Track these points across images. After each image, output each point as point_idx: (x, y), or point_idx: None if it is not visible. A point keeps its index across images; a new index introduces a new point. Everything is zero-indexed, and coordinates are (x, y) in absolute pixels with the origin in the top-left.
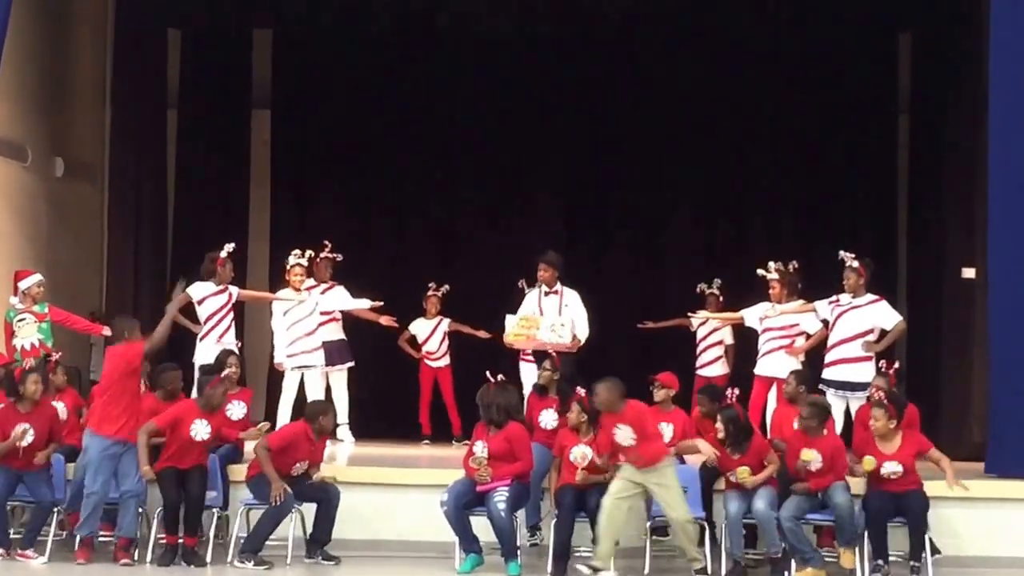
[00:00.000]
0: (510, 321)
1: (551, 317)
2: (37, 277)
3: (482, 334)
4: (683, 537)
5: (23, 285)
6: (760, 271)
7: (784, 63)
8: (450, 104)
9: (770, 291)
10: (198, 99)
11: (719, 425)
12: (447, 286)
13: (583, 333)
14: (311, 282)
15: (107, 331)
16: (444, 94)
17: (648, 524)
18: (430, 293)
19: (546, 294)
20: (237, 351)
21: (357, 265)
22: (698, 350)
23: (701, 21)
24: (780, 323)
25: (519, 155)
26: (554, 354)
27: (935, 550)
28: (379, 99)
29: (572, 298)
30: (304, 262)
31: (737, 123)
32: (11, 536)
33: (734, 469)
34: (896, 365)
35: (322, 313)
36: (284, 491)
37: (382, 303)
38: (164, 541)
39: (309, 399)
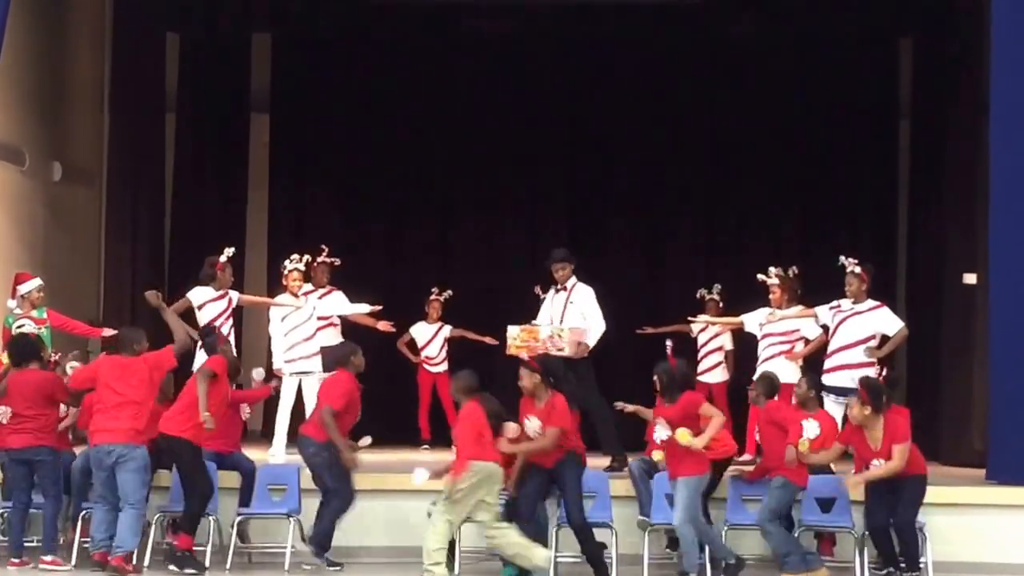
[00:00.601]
0: (512, 332)
1: (549, 327)
2: (37, 282)
3: (488, 340)
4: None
5: (23, 289)
6: (760, 276)
7: (785, 68)
8: (449, 107)
9: (770, 296)
10: (196, 103)
11: (655, 377)
12: (449, 291)
13: (596, 331)
14: (309, 287)
15: (107, 332)
16: (443, 97)
17: (647, 531)
18: (432, 298)
19: (556, 291)
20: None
21: (355, 269)
22: (698, 356)
23: (703, 26)
24: (780, 329)
25: (518, 159)
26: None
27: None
28: (378, 103)
29: (582, 295)
30: (301, 267)
31: (738, 127)
32: None
33: (663, 417)
34: (885, 372)
35: (320, 318)
36: (354, 459)
37: (380, 307)
38: (172, 543)
39: (307, 406)
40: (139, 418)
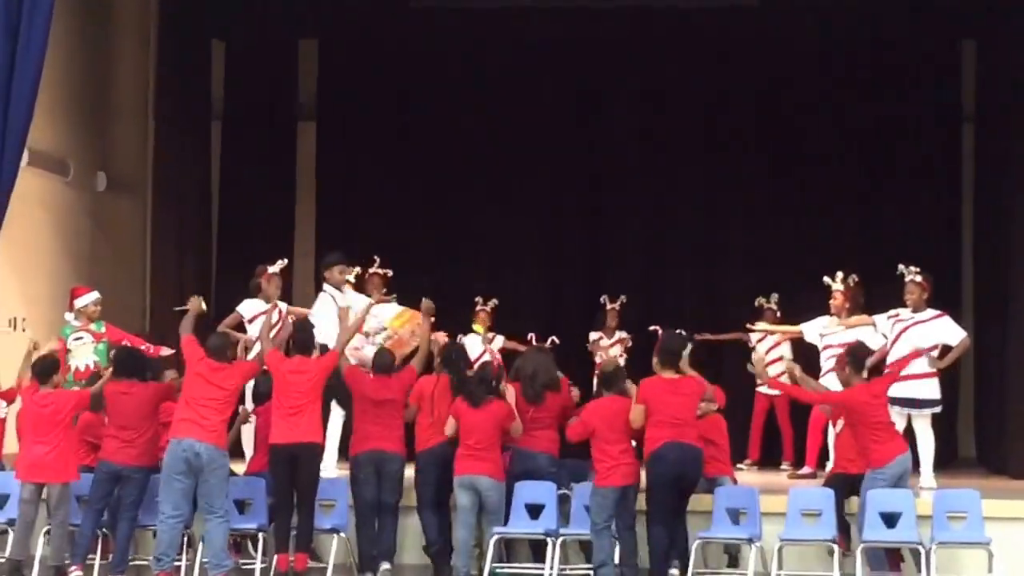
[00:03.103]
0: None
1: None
2: (94, 295)
3: None
4: None
5: (79, 303)
6: (826, 279)
7: (846, 71)
8: (500, 112)
9: (831, 302)
10: (243, 112)
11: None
12: (495, 300)
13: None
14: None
15: (165, 351)
16: (493, 102)
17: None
18: (478, 308)
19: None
20: None
21: (405, 279)
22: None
23: (761, 28)
24: (841, 339)
25: (569, 166)
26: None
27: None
28: (426, 109)
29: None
30: (351, 279)
31: (797, 132)
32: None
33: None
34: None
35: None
36: None
37: (432, 318)
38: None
39: None
40: (226, 423)
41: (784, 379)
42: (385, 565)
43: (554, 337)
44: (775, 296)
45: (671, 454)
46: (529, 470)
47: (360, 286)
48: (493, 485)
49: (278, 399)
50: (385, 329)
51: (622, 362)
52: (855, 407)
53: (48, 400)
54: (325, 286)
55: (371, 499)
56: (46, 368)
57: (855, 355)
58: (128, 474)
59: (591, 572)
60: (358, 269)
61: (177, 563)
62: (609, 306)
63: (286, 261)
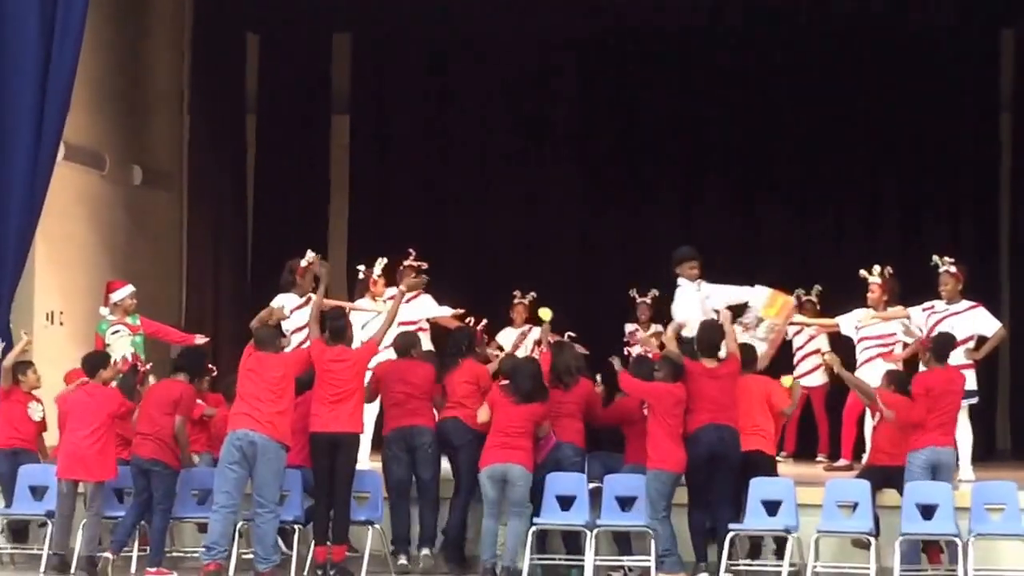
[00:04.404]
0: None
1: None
2: (129, 289)
3: (580, 349)
4: None
5: (115, 297)
6: (863, 272)
7: (883, 61)
8: (532, 106)
9: (869, 295)
10: (277, 104)
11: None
12: (533, 293)
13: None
14: (394, 291)
15: (200, 339)
16: (524, 95)
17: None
18: (516, 301)
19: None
20: None
21: (437, 272)
22: (795, 359)
23: (798, 14)
24: (877, 331)
25: (602, 157)
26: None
27: None
28: (459, 103)
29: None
30: (379, 271)
31: (834, 121)
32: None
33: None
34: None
35: (404, 323)
36: None
37: (464, 311)
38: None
39: None
40: (282, 415)
41: (820, 374)
42: (424, 551)
43: (570, 332)
44: (816, 288)
45: (705, 436)
46: (557, 459)
47: (393, 278)
48: (523, 475)
49: (320, 389)
50: (763, 320)
51: None
52: (935, 387)
53: (95, 392)
54: (680, 280)
55: (404, 477)
56: (94, 362)
57: (940, 343)
58: (148, 467)
59: (625, 563)
60: (385, 261)
61: (227, 554)
62: (639, 300)
63: (313, 254)
